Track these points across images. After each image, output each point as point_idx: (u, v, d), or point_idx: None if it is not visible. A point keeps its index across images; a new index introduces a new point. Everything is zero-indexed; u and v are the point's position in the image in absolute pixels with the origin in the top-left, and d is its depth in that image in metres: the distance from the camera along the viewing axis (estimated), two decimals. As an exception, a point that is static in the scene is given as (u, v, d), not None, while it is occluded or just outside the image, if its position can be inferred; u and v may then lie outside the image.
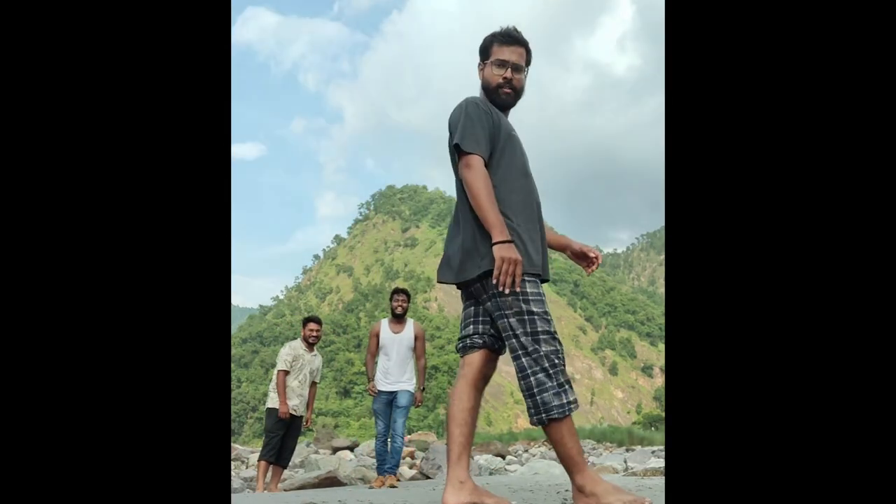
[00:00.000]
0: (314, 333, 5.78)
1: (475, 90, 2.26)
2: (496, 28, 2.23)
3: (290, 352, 5.70)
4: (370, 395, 5.46)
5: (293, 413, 5.59)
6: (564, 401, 1.94)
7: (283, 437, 5.56)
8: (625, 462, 10.32)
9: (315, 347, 5.87)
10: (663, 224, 1.37)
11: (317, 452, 11.42)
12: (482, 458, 9.62)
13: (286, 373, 5.61)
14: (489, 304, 2.08)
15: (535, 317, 1.98)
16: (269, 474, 5.58)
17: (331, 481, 5.88)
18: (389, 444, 5.36)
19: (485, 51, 2.24)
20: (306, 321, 5.91)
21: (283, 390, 5.52)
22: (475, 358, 2.15)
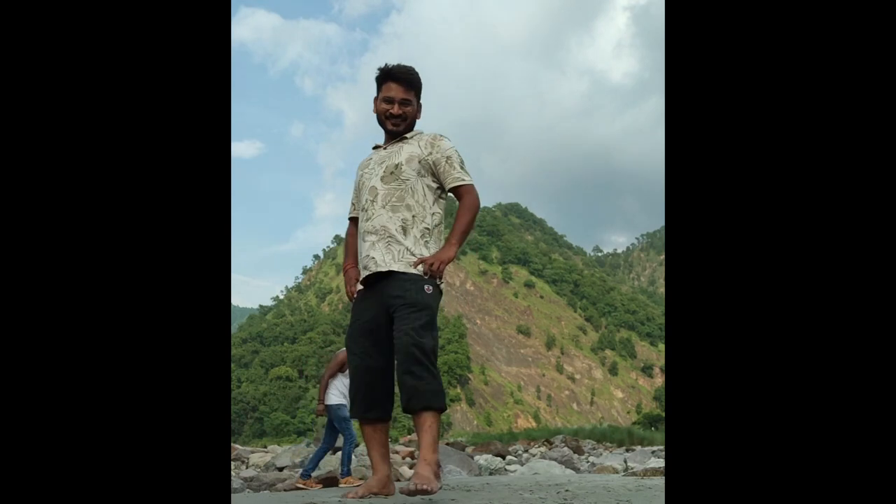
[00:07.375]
0: None
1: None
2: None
3: None
4: None
5: None
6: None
7: None
8: (625, 462, 10.29)
9: None
10: (662, 225, 1.37)
11: (317, 452, 11.40)
12: (482, 458, 9.61)
13: None
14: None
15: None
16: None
17: (331, 481, 5.87)
18: None
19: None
20: None
21: None
22: None
